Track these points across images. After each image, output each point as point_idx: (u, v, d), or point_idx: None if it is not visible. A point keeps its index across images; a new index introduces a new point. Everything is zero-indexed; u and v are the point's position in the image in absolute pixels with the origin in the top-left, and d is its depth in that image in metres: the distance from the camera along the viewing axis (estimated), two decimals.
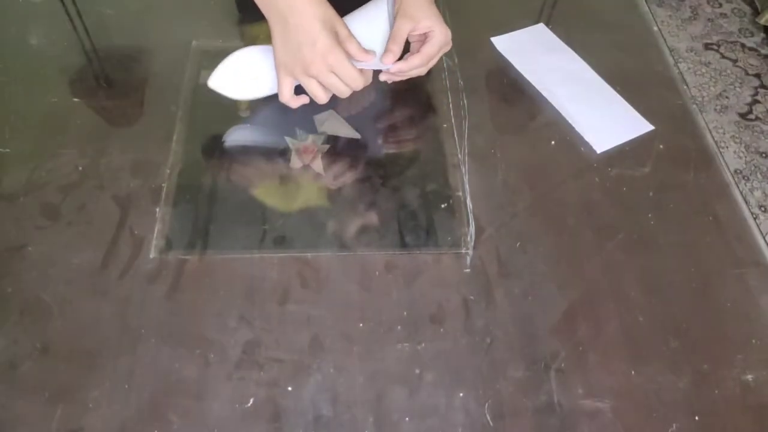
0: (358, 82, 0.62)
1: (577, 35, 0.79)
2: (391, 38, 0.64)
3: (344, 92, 0.63)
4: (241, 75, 0.64)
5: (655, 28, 0.82)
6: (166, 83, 0.69)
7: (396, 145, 0.67)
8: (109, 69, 0.73)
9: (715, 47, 1.94)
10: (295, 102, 0.65)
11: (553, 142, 0.68)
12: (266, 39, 0.63)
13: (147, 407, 0.47)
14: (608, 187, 0.64)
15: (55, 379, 0.48)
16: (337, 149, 0.65)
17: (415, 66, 0.65)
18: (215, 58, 0.64)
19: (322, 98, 0.63)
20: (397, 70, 0.65)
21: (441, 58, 0.74)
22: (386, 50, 0.63)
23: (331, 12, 0.60)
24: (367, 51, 0.62)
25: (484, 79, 0.75)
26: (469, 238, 0.59)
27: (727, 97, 1.80)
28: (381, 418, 0.48)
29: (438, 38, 0.65)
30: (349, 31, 0.61)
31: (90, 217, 0.58)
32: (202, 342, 0.51)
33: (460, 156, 0.65)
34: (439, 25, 0.65)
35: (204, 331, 0.51)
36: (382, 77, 0.68)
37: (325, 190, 0.62)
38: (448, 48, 0.68)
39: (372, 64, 0.63)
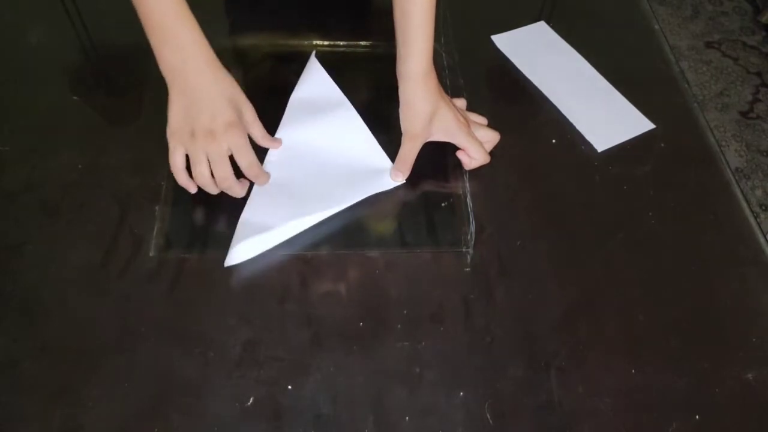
0: (254, 169, 0.58)
1: (578, 33, 0.79)
2: (399, 160, 0.62)
3: (229, 180, 0.57)
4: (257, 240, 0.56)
5: (656, 26, 0.82)
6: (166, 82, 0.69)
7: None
8: (108, 67, 0.72)
9: (716, 45, 1.94)
10: (190, 185, 0.58)
11: (553, 141, 0.68)
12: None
13: (147, 406, 0.47)
14: (609, 186, 0.64)
15: (55, 377, 0.48)
16: None
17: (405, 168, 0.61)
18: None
19: (206, 181, 0.57)
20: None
21: (441, 56, 0.74)
22: (394, 170, 0.62)
23: (237, 91, 0.58)
24: (273, 138, 0.61)
25: (484, 77, 0.75)
26: (469, 237, 0.59)
27: (728, 96, 1.80)
28: (381, 416, 0.48)
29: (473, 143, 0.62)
30: (255, 115, 0.59)
31: (89, 215, 0.58)
32: (202, 341, 0.51)
33: None
34: (455, 133, 0.61)
35: (204, 330, 0.51)
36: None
37: None
38: (488, 139, 0.64)
39: (383, 185, 0.61)
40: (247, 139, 0.58)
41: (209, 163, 0.56)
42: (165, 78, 0.57)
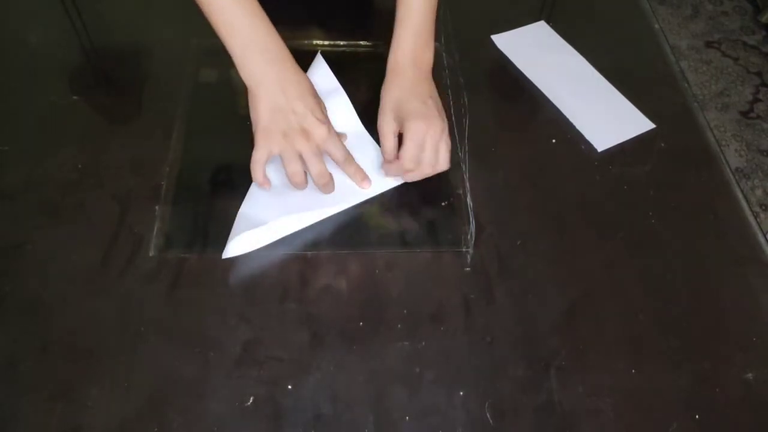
0: (351, 163, 0.59)
1: (578, 33, 0.79)
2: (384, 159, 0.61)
3: (326, 177, 0.57)
4: (256, 231, 0.56)
5: (656, 26, 0.82)
6: (165, 81, 0.69)
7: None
8: (108, 67, 0.73)
9: (716, 45, 1.93)
10: (266, 183, 0.58)
11: (553, 140, 0.68)
12: None
13: (146, 406, 0.47)
14: (609, 186, 0.64)
15: (55, 377, 0.48)
16: None
17: (399, 173, 0.60)
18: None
19: (300, 179, 0.57)
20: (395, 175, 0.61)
21: (441, 55, 0.74)
22: (384, 170, 0.61)
23: (315, 90, 0.59)
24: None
25: (484, 76, 0.75)
26: (469, 237, 0.59)
27: (728, 96, 1.80)
28: (381, 416, 0.48)
29: (414, 134, 0.58)
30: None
31: (89, 215, 0.58)
32: (202, 340, 0.51)
33: (460, 154, 0.65)
34: (418, 119, 0.58)
35: (204, 330, 0.51)
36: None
37: None
38: (442, 140, 0.59)
39: (383, 185, 0.61)
40: (337, 135, 0.58)
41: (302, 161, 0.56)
42: (248, 80, 0.57)
